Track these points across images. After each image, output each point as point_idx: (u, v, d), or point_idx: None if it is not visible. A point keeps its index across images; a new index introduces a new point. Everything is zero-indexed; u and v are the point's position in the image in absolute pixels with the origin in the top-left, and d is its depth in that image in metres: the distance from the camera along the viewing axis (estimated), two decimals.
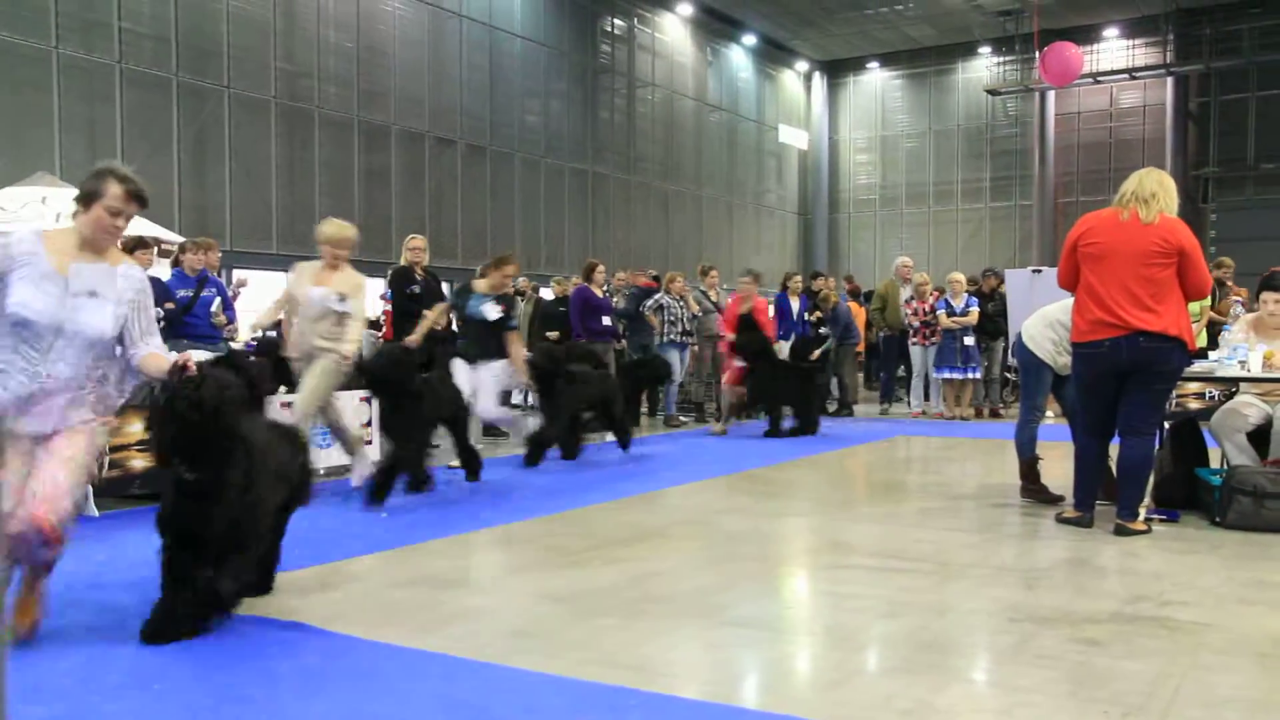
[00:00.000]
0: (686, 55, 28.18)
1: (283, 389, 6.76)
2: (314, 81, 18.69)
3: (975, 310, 12.55)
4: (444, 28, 21.19)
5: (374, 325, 12.98)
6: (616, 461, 8.97)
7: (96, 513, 6.15)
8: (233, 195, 17.33)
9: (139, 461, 6.49)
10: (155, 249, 9.88)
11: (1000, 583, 4.61)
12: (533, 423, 8.94)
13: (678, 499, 7.20)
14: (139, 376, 3.98)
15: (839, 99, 33.45)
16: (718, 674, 3.53)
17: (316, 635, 3.80)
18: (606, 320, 11.53)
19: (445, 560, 5.30)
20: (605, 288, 12.19)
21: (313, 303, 6.69)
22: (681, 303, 12.29)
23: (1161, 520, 5.92)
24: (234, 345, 8.50)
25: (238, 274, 12.94)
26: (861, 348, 14.84)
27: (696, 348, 12.85)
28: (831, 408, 13.52)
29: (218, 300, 8.78)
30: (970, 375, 12.67)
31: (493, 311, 7.88)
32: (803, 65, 32.92)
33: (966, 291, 12.76)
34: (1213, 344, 8.89)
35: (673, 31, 27.70)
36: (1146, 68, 27.58)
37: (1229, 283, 12.08)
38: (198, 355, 3.97)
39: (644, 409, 12.68)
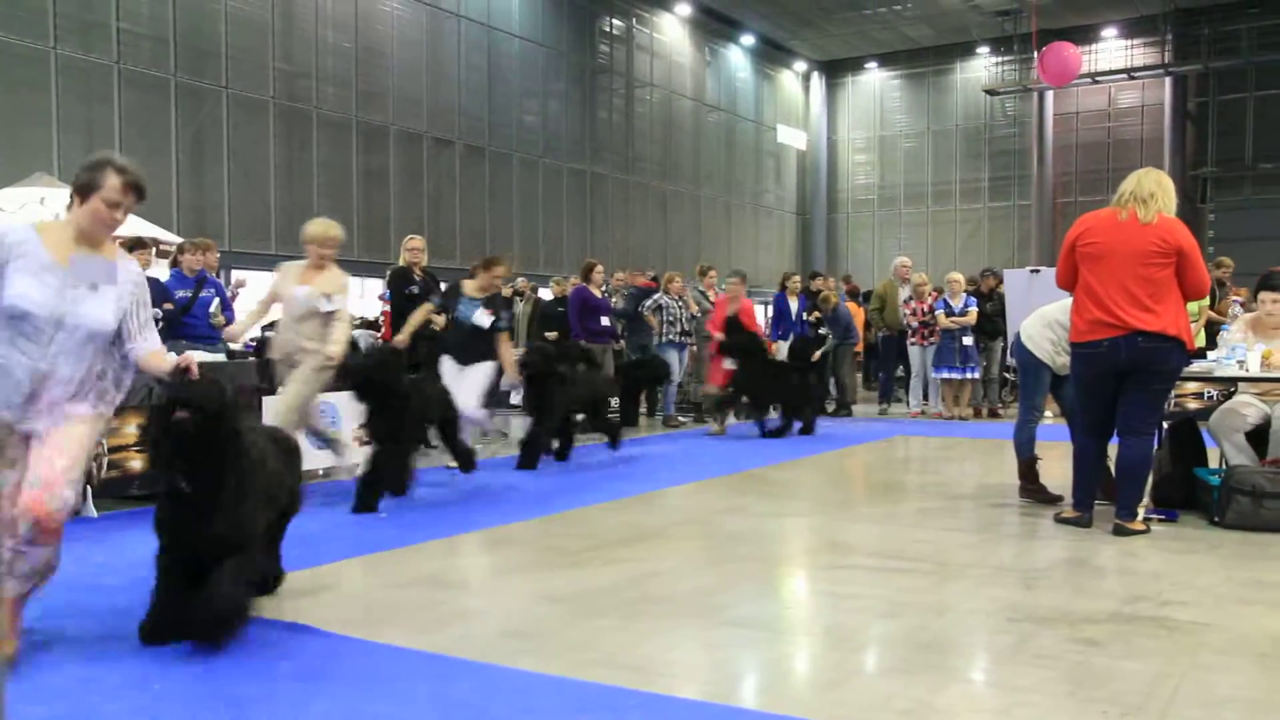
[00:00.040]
0: (685, 55, 28.18)
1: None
2: (312, 82, 18.69)
3: (974, 310, 12.55)
4: (442, 28, 21.19)
5: (372, 326, 12.99)
6: (614, 462, 8.97)
7: (95, 514, 6.14)
8: (231, 196, 17.33)
9: (137, 463, 6.49)
10: (153, 249, 9.88)
11: (999, 583, 4.62)
12: (515, 423, 8.84)
13: (677, 499, 7.21)
14: (137, 373, 3.88)
15: (837, 99, 33.45)
16: (717, 674, 3.53)
17: (315, 636, 3.80)
18: (605, 320, 11.53)
19: (444, 561, 5.30)
20: (604, 288, 12.19)
21: (297, 302, 6.53)
22: (680, 303, 12.29)
23: (1160, 520, 5.92)
24: (233, 346, 8.47)
25: (236, 274, 12.94)
26: (860, 348, 14.84)
27: (695, 348, 12.85)
28: (830, 408, 13.53)
29: (216, 301, 8.78)
30: (969, 375, 12.67)
31: (485, 319, 7.82)
32: (801, 65, 32.93)
33: (965, 291, 12.76)
34: (1211, 344, 8.90)
35: (671, 31, 27.70)
36: (1145, 68, 27.60)
37: (1228, 283, 12.09)
38: (199, 357, 3.94)
39: (643, 409, 12.68)
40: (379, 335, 11.11)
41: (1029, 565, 5.02)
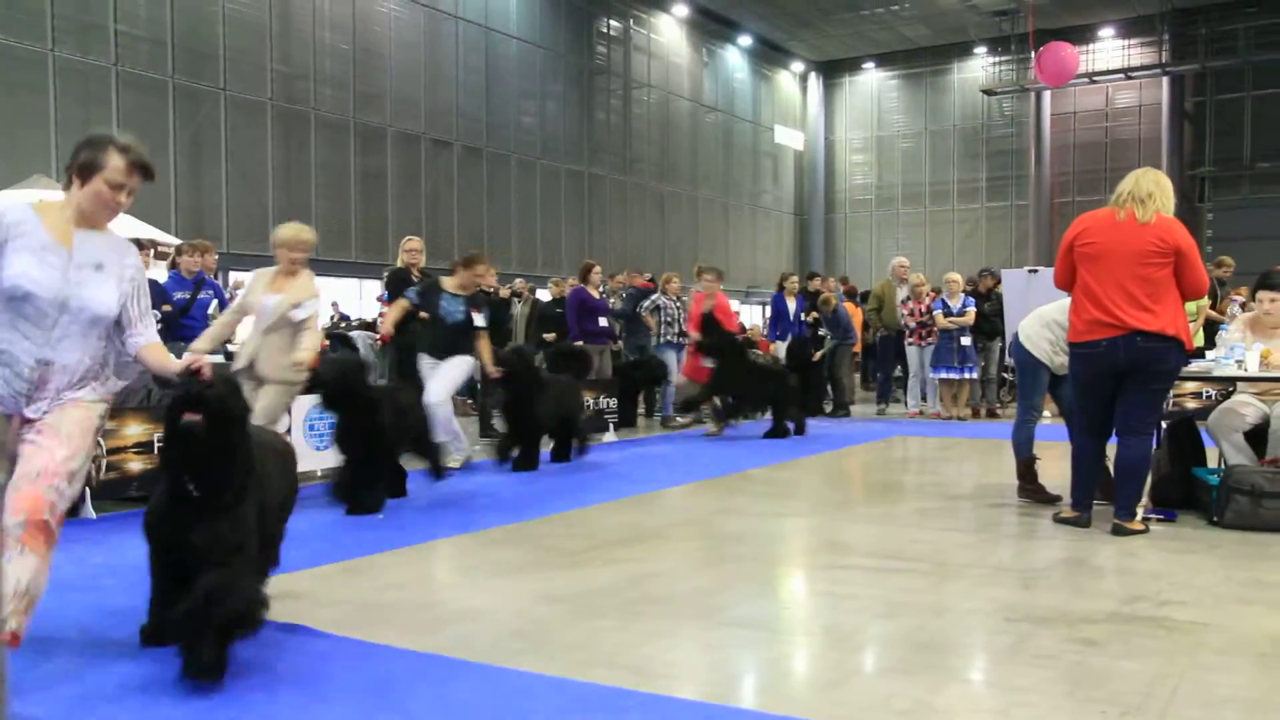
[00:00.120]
0: (682, 56, 28.20)
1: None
2: (310, 84, 18.70)
3: (972, 310, 12.55)
4: (439, 29, 21.20)
5: (370, 327, 13.01)
6: (613, 463, 8.97)
7: (94, 515, 6.14)
8: (229, 197, 17.34)
9: (136, 464, 6.48)
10: (151, 251, 9.89)
11: (998, 583, 4.62)
12: (469, 448, 8.41)
13: (675, 500, 7.21)
14: (137, 368, 3.73)
15: (835, 99, 33.49)
16: (716, 674, 3.53)
17: (314, 637, 3.79)
18: (603, 321, 11.53)
19: (442, 562, 5.30)
20: (601, 289, 12.19)
21: (267, 313, 6.27)
22: (678, 304, 12.29)
23: (1159, 520, 5.92)
24: (231, 347, 8.45)
25: (234, 276, 12.95)
26: (858, 348, 14.84)
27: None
28: (828, 408, 13.53)
29: (215, 302, 8.78)
30: (967, 375, 12.67)
31: (479, 318, 7.78)
32: (798, 66, 32.96)
33: (963, 291, 12.77)
34: (1210, 343, 8.90)
35: (668, 33, 27.72)
36: (1142, 67, 27.65)
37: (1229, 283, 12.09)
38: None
39: (641, 410, 12.68)
40: (378, 336, 11.11)
41: (1028, 565, 5.02)
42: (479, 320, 7.79)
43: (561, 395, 8.73)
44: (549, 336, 12.33)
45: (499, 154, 22.53)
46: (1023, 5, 26.55)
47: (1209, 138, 27.76)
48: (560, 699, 3.18)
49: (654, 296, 12.36)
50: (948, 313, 12.51)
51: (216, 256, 10.06)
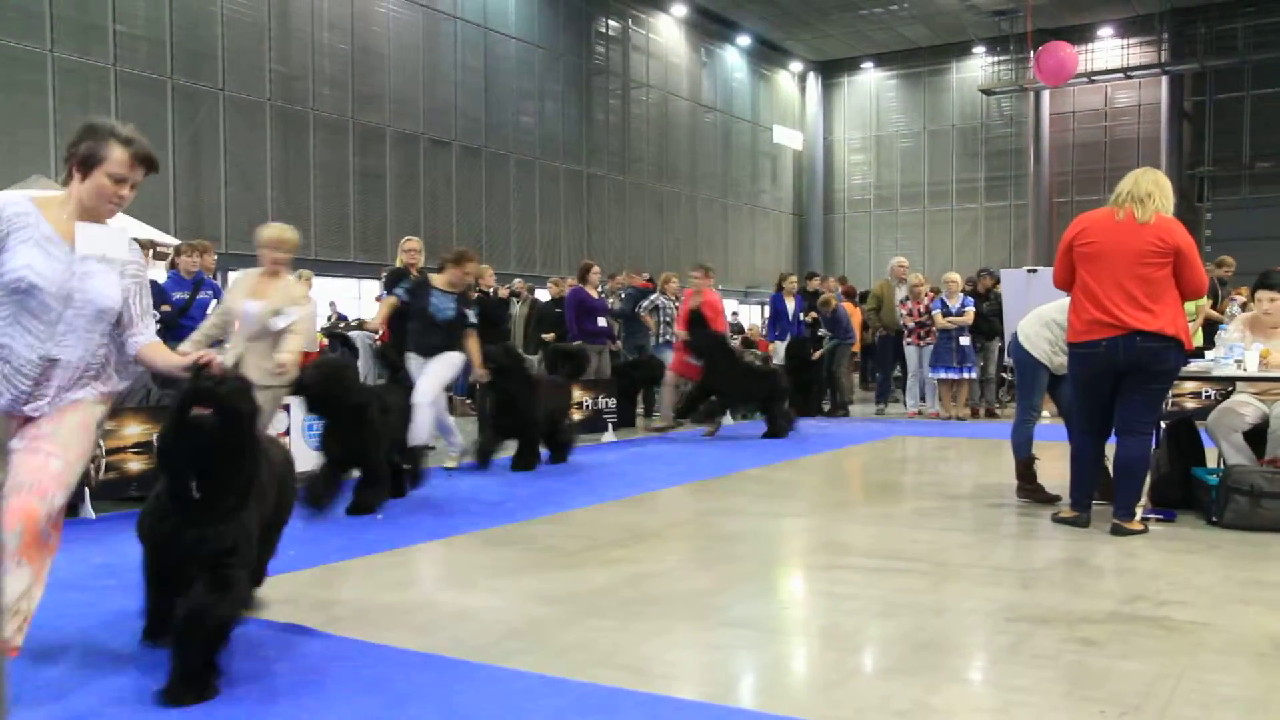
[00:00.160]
0: (681, 56, 28.20)
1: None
2: (308, 84, 18.70)
3: (971, 310, 12.55)
4: (438, 29, 21.20)
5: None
6: (611, 463, 8.97)
7: (94, 515, 6.14)
8: (228, 198, 17.34)
9: (135, 464, 6.48)
10: (150, 251, 9.88)
11: (997, 583, 4.62)
12: (459, 442, 8.34)
13: (674, 500, 7.20)
14: (137, 367, 3.62)
15: (833, 99, 33.50)
16: (714, 675, 3.53)
17: (313, 637, 3.79)
18: (601, 321, 11.53)
19: (441, 562, 5.30)
20: (600, 289, 12.19)
21: (248, 320, 6.12)
22: (677, 304, 12.29)
23: (1158, 520, 5.92)
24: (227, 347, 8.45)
25: (234, 276, 12.93)
26: (857, 348, 14.85)
27: None
28: (827, 408, 13.53)
29: (214, 303, 8.77)
30: (966, 375, 12.67)
31: (473, 317, 7.76)
32: (797, 66, 32.96)
33: (962, 291, 12.77)
34: (1210, 343, 8.90)
35: (667, 33, 27.72)
36: (1141, 67, 27.66)
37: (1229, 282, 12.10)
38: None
39: (639, 410, 12.68)
40: (377, 337, 11.11)
41: (1027, 565, 5.02)
42: (469, 317, 7.78)
43: (550, 395, 8.71)
44: (548, 337, 12.34)
45: (498, 154, 22.53)
46: (1021, 5, 26.55)
47: (1208, 137, 27.77)
48: (559, 699, 3.17)
49: (653, 296, 12.37)
50: (946, 313, 12.51)
51: (215, 257, 10.06)
